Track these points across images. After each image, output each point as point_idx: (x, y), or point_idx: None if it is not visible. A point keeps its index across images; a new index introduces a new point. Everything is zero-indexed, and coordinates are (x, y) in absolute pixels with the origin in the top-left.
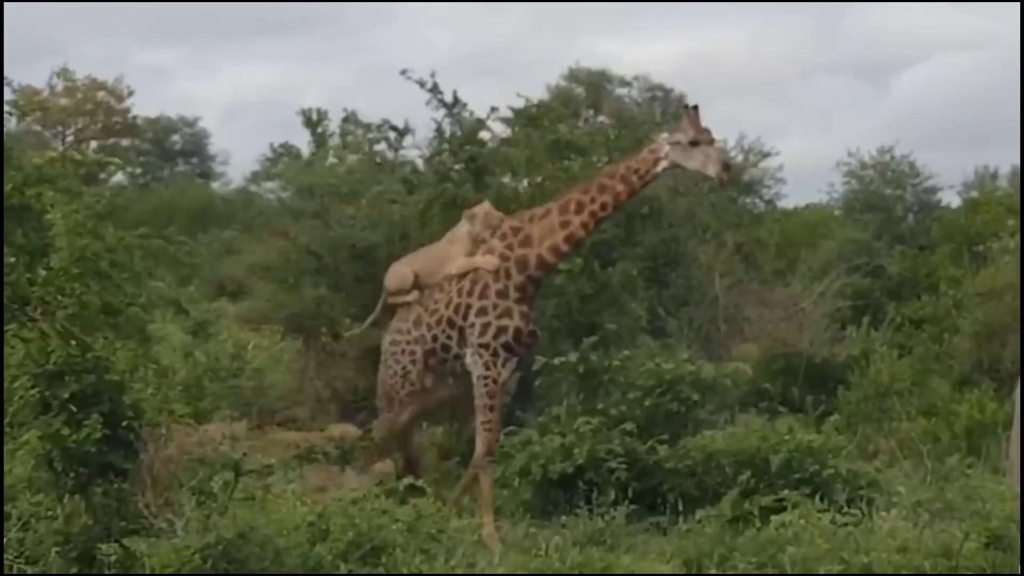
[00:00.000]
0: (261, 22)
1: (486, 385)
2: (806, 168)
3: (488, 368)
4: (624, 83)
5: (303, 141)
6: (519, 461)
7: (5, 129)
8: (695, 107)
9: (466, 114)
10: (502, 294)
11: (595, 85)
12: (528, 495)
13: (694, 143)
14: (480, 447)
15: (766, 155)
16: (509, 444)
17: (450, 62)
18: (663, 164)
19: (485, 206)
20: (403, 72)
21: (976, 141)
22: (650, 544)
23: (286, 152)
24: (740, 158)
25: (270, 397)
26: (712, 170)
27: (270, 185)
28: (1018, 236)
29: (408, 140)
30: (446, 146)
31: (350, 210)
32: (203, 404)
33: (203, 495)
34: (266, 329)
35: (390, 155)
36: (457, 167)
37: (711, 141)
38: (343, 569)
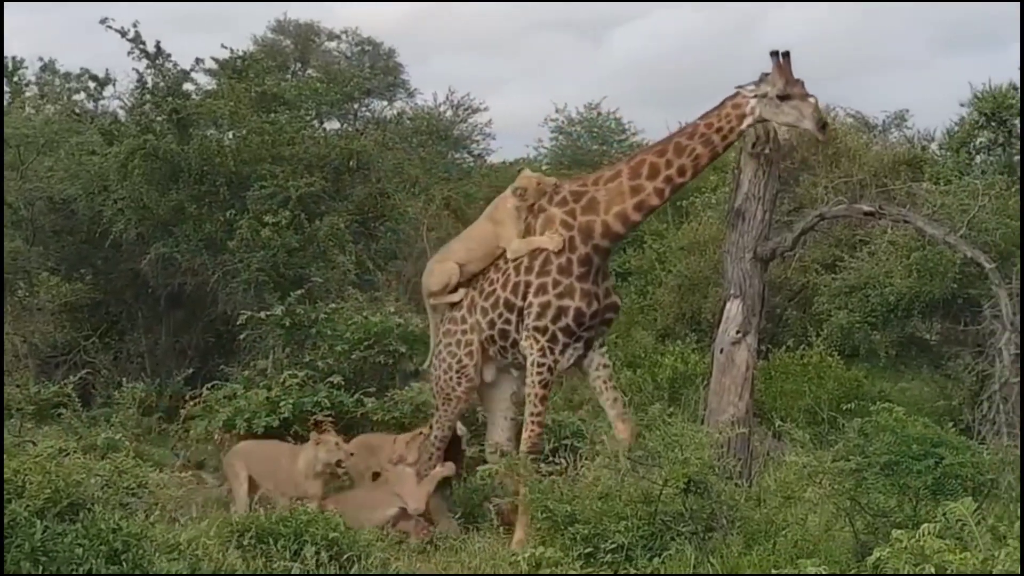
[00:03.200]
0: None
1: (540, 373)
2: (525, 123)
3: (544, 354)
4: (333, 36)
5: None
6: (223, 415)
7: None
8: (786, 54)
9: (170, 65)
10: (564, 270)
11: (303, 38)
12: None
13: (784, 97)
14: (525, 443)
15: (475, 110)
16: (213, 398)
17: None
18: (748, 120)
19: (535, 176)
20: (103, 21)
21: (689, 98)
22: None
23: None
24: (449, 113)
25: None
26: (808, 126)
27: None
28: (719, 191)
29: (109, 91)
30: (148, 97)
31: (47, 162)
32: None
33: None
34: None
35: (90, 106)
36: (160, 119)
37: (804, 95)
38: (39, 527)
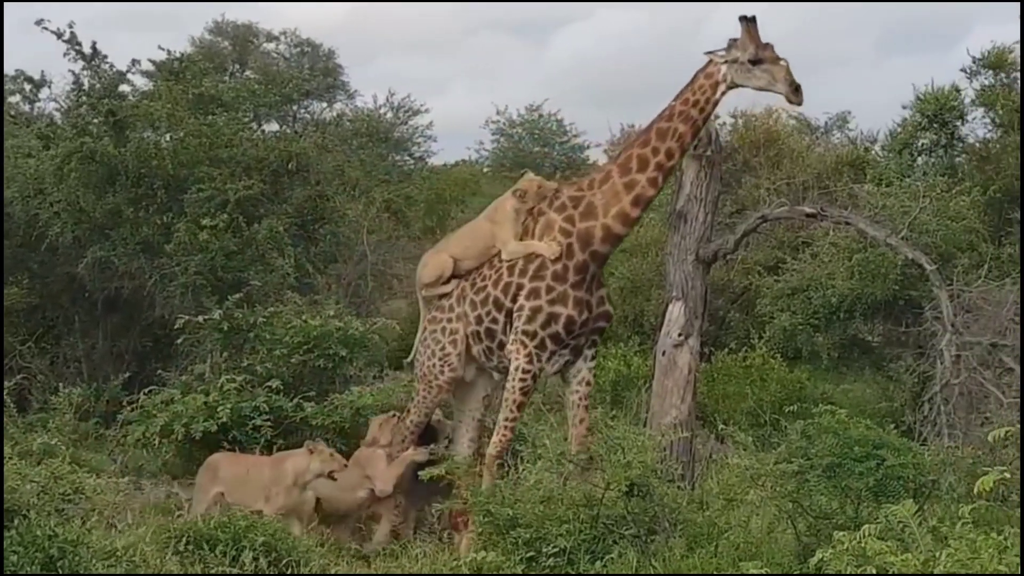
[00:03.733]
0: None
1: (523, 380)
2: (468, 124)
3: (531, 361)
4: (272, 38)
5: None
6: (160, 420)
7: None
8: (752, 19)
9: (106, 66)
10: (559, 276)
11: (242, 39)
12: (170, 455)
13: (755, 61)
14: (494, 446)
15: (416, 112)
16: (150, 403)
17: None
18: (722, 88)
19: (536, 179)
20: (39, 22)
21: (633, 98)
22: None
23: None
24: (389, 115)
25: None
26: (782, 89)
27: None
28: (661, 193)
29: (45, 93)
30: (84, 99)
31: None
32: None
33: None
34: None
35: (26, 108)
36: (96, 121)
37: (776, 59)
38: None
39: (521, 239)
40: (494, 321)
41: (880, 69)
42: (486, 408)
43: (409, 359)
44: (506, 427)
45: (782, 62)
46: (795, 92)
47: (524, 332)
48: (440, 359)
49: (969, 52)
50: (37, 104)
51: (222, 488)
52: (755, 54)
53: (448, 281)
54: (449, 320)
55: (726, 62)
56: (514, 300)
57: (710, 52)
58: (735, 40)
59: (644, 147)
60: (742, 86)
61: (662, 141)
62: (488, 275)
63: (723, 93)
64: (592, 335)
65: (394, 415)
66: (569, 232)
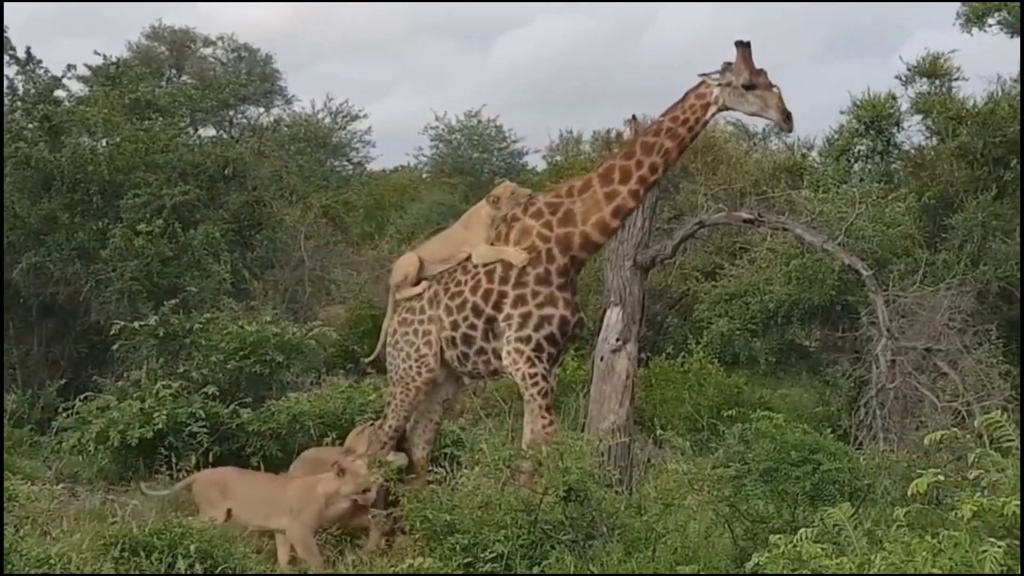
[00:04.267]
0: None
1: (536, 384)
2: (410, 129)
3: (533, 364)
4: (209, 43)
5: None
6: (96, 427)
7: None
8: (747, 43)
9: (41, 71)
10: (543, 280)
11: (178, 44)
12: (106, 462)
13: (749, 86)
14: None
15: (355, 117)
16: (86, 410)
17: (41, 16)
18: (712, 110)
19: (510, 186)
20: None
21: (571, 104)
22: None
23: None
24: (327, 120)
25: None
26: (774, 116)
27: None
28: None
29: None
30: (19, 104)
31: None
32: None
33: None
34: None
35: None
36: (31, 126)
37: (769, 85)
38: None
39: (492, 245)
40: (472, 327)
41: (824, 71)
42: (445, 412)
43: (370, 359)
44: (548, 434)
45: (775, 89)
46: (786, 119)
47: (519, 339)
48: (416, 360)
49: (903, 59)
50: None
51: (232, 504)
52: (749, 79)
53: (418, 283)
54: (421, 322)
55: (719, 85)
56: (497, 308)
57: (704, 74)
58: (729, 64)
59: (628, 159)
60: (733, 109)
61: (647, 155)
62: (463, 280)
63: (713, 115)
64: (568, 341)
65: (371, 424)
66: (548, 237)
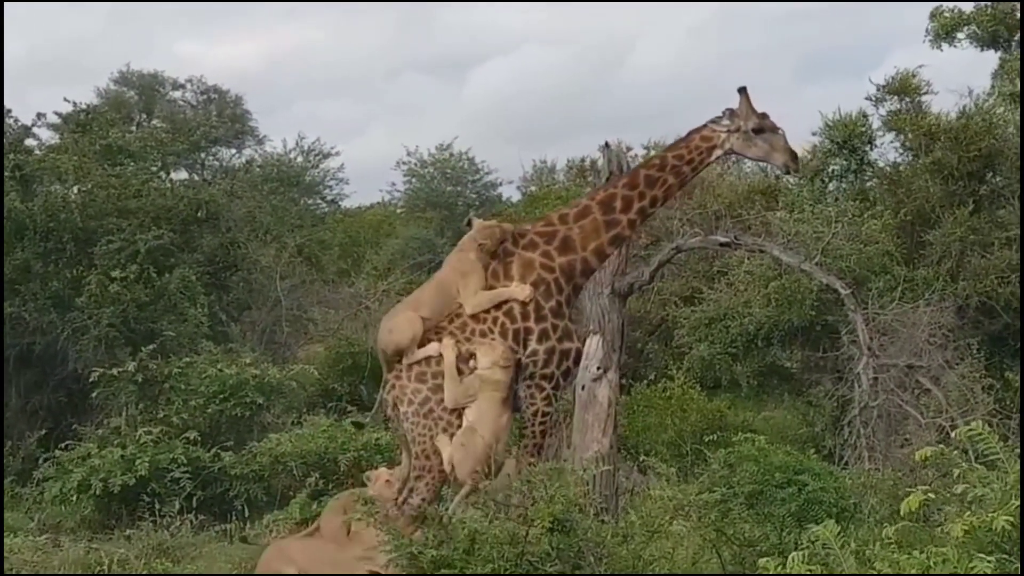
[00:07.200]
0: None
1: (542, 424)
2: (387, 166)
3: (550, 403)
4: (178, 86)
5: None
6: (78, 476)
7: None
8: (743, 89)
9: (11, 120)
10: (557, 313)
11: (148, 88)
12: (89, 510)
13: (757, 130)
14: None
15: (327, 155)
16: (67, 459)
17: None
18: (717, 152)
19: (489, 224)
20: None
21: (545, 136)
22: (218, 553)
23: None
24: (300, 159)
25: None
26: (780, 160)
27: None
28: None
29: None
30: None
31: None
32: None
33: None
34: None
35: None
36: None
37: (774, 128)
38: None
39: (491, 286)
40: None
41: (797, 97)
42: None
43: (371, 414)
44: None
45: (780, 131)
46: (792, 159)
47: (543, 376)
48: (436, 453)
49: (872, 81)
50: None
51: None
52: (757, 123)
53: (423, 343)
54: (439, 402)
55: (728, 131)
56: (525, 346)
57: (713, 121)
58: (732, 110)
59: (631, 189)
60: (739, 154)
61: (649, 188)
62: (477, 330)
63: (716, 158)
64: None
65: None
66: (551, 268)
